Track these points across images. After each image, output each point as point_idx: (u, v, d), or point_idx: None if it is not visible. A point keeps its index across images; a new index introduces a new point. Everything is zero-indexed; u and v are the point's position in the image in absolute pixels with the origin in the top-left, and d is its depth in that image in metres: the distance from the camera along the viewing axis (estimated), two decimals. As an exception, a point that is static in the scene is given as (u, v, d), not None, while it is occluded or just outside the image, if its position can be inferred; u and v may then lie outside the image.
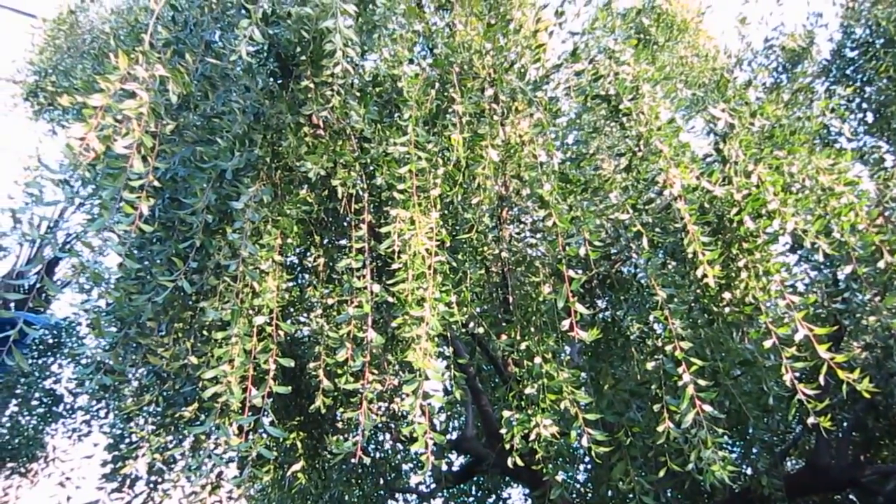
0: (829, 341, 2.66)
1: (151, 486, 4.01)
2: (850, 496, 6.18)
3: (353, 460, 4.52)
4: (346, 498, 4.77)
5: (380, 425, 4.40)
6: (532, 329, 3.05)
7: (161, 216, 2.85)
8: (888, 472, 5.25)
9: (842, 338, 4.08)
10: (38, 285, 2.47)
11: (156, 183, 2.52)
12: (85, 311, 4.54)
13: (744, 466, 4.84)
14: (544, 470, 2.93)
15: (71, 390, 5.15)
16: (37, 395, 5.54)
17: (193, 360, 2.66)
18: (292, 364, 2.53)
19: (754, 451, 4.17)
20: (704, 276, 2.67)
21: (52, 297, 2.92)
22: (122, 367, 2.71)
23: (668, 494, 4.80)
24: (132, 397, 3.39)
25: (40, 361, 5.70)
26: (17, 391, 5.49)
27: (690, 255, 2.79)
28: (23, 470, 5.65)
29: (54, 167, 2.40)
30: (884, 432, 5.72)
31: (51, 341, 5.71)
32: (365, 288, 2.71)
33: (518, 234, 3.49)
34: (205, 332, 2.78)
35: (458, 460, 6.03)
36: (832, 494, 6.08)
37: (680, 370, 2.63)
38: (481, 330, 3.05)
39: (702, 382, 2.63)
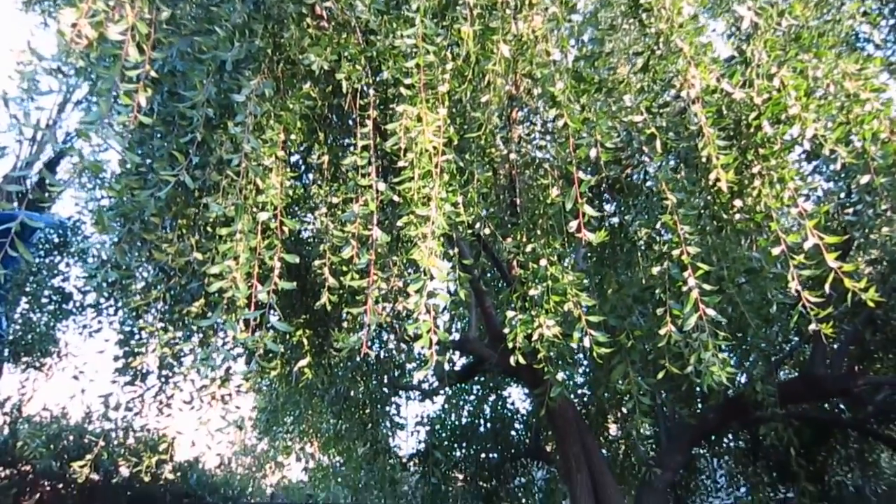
0: (838, 251, 2.63)
1: (163, 380, 4.11)
2: (840, 404, 6.36)
3: (358, 358, 4.64)
4: (352, 394, 4.91)
5: (384, 325, 4.46)
6: (538, 232, 3.02)
7: (161, 111, 2.77)
8: (880, 382, 5.37)
9: (849, 250, 4.06)
10: (39, 179, 2.44)
11: (153, 74, 2.44)
12: (89, 211, 4.54)
13: (739, 373, 4.94)
14: (545, 369, 2.98)
15: (79, 288, 5.21)
16: (46, 292, 5.62)
17: (198, 256, 2.65)
18: (297, 261, 2.52)
19: (751, 358, 4.24)
20: (717, 180, 2.61)
21: (54, 195, 2.89)
22: (128, 263, 2.71)
23: (664, 397, 4.94)
24: (139, 294, 3.41)
25: (47, 260, 5.74)
26: (27, 289, 5.56)
27: (704, 160, 2.72)
28: (37, 364, 5.81)
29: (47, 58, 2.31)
30: (879, 346, 5.81)
31: (56, 240, 5.73)
32: (370, 186, 2.66)
33: (527, 135, 3.40)
34: (209, 229, 2.77)
35: (460, 361, 6.18)
36: (822, 402, 6.25)
37: (685, 275, 2.63)
38: (487, 231, 3.03)
39: (707, 287, 2.62)
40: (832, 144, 2.67)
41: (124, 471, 6.75)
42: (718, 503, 7.46)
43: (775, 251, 2.66)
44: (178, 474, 7.39)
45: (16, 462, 6.50)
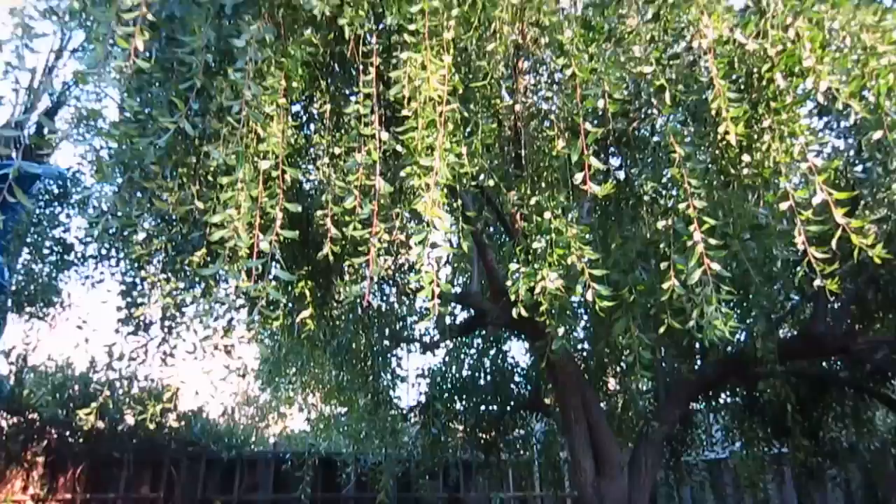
0: (846, 206, 2.60)
1: (166, 330, 4.13)
2: (838, 363, 6.40)
3: (359, 310, 4.66)
4: (353, 346, 4.94)
5: (386, 278, 4.46)
6: (543, 184, 2.99)
7: (159, 57, 2.70)
8: (879, 341, 5.38)
9: (856, 208, 4.02)
10: (37, 128, 2.40)
11: (151, 18, 2.38)
12: (88, 162, 4.49)
13: (740, 330, 4.96)
14: (547, 323, 2.98)
15: (81, 239, 5.19)
16: (47, 243, 5.61)
17: (199, 205, 2.62)
18: (299, 210, 2.50)
19: (752, 315, 4.24)
20: (726, 134, 2.57)
21: (53, 144, 2.85)
22: (129, 212, 2.69)
23: (664, 352, 4.96)
24: (141, 244, 3.39)
25: (48, 211, 5.72)
26: (29, 240, 5.56)
27: (714, 113, 2.67)
28: (41, 315, 5.83)
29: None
30: (880, 305, 5.82)
31: (56, 191, 5.69)
32: (373, 136, 2.62)
33: (534, 85, 3.33)
34: (210, 178, 2.74)
35: (461, 314, 6.21)
36: (821, 360, 6.29)
37: (691, 229, 2.60)
38: (491, 183, 2.99)
39: (712, 242, 2.60)
40: (845, 98, 2.61)
41: (129, 419, 6.85)
42: (713, 457, 7.60)
43: (783, 206, 2.63)
44: (183, 423, 7.51)
45: (23, 410, 6.60)
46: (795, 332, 6.21)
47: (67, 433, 6.89)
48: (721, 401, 6.72)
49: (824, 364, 6.37)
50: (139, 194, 2.81)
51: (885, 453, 7.13)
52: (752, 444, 6.16)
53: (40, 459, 6.78)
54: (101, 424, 6.84)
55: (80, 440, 6.97)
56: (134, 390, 6.62)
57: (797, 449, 5.45)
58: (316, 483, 8.01)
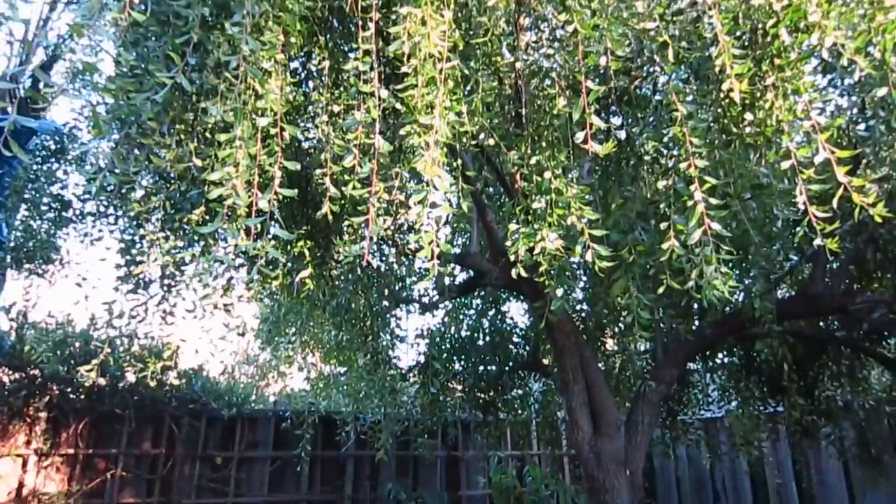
0: (849, 164, 2.58)
1: (165, 288, 4.14)
2: (835, 322, 6.45)
3: (359, 270, 4.66)
4: (353, 306, 4.97)
5: (385, 238, 4.45)
6: (543, 144, 2.96)
7: (154, 9, 2.65)
8: (877, 301, 5.41)
9: (858, 167, 4.00)
10: (32, 82, 2.37)
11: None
12: (85, 118, 4.44)
13: (739, 290, 4.98)
14: (546, 283, 2.98)
15: (79, 196, 5.17)
16: (45, 200, 5.58)
17: (198, 162, 2.60)
18: (298, 168, 2.48)
19: (751, 274, 4.25)
20: (730, 91, 2.53)
21: (49, 98, 2.81)
22: (126, 169, 2.66)
23: (662, 313, 4.99)
24: (139, 202, 3.38)
25: (45, 167, 5.67)
26: (26, 196, 5.53)
27: (717, 70, 2.64)
28: (40, 271, 5.83)
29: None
30: (879, 265, 5.83)
31: (53, 147, 5.65)
32: (372, 93, 2.59)
33: (535, 42, 3.28)
34: (208, 135, 2.71)
35: (460, 275, 6.23)
36: (819, 320, 6.33)
37: (692, 188, 2.59)
38: (492, 142, 2.96)
39: (713, 201, 2.59)
40: (851, 54, 2.57)
41: (130, 377, 6.93)
42: (709, 416, 7.71)
43: (784, 165, 2.62)
44: (183, 381, 7.59)
45: (24, 366, 6.66)
46: (793, 293, 6.25)
47: (69, 389, 6.97)
48: (718, 361, 6.79)
49: (821, 324, 6.42)
50: (136, 151, 2.78)
51: (880, 412, 7.23)
52: (747, 403, 6.24)
53: (42, 415, 6.87)
54: (102, 381, 6.92)
55: (82, 396, 7.06)
56: (134, 348, 6.68)
57: (792, 407, 5.51)
58: (316, 441, 8.14)
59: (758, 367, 6.45)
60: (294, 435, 7.36)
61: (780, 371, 5.54)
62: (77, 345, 6.71)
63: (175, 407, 7.57)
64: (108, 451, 7.21)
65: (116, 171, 2.71)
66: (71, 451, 6.97)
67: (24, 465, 6.74)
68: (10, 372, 6.73)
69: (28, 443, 6.80)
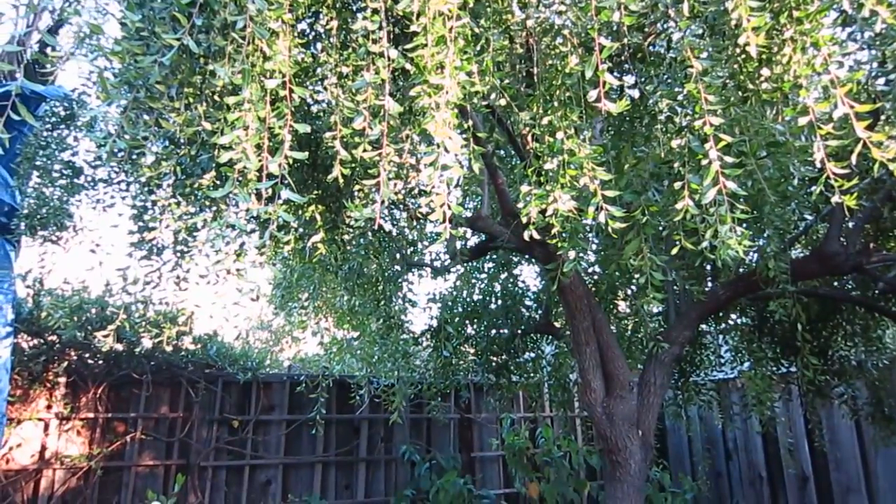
0: (868, 119, 2.52)
1: (178, 254, 4.16)
2: (849, 282, 6.41)
3: (370, 235, 4.66)
4: (365, 271, 4.98)
5: (397, 203, 4.44)
6: (555, 103, 2.92)
7: (159, -30, 2.61)
8: (893, 259, 5.36)
9: (877, 122, 3.92)
10: (40, 47, 2.35)
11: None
12: (93, 84, 4.41)
13: (753, 250, 4.94)
14: (558, 245, 2.97)
15: (90, 163, 5.17)
16: (56, 167, 5.57)
17: (207, 125, 2.58)
18: (308, 130, 2.46)
19: (766, 234, 4.21)
20: (747, 45, 2.47)
21: (57, 63, 2.79)
22: (136, 133, 2.65)
23: (675, 274, 4.97)
24: (150, 167, 3.37)
25: (55, 133, 5.66)
26: (38, 163, 5.53)
27: (734, 24, 2.57)
28: (53, 238, 5.86)
29: None
30: (895, 223, 5.77)
31: (63, 113, 5.62)
32: (381, 54, 2.55)
33: (546, -2, 3.21)
34: (217, 98, 2.69)
35: (472, 239, 6.21)
36: (834, 279, 6.29)
37: (707, 146, 2.55)
38: (503, 102, 2.92)
39: (728, 159, 2.55)
40: (873, 4, 2.50)
41: (147, 342, 7.02)
42: (722, 377, 7.73)
43: (802, 121, 2.56)
44: (199, 346, 7.68)
45: (42, 332, 6.76)
46: (808, 252, 6.20)
47: (87, 355, 7.08)
48: (731, 322, 6.78)
49: (836, 283, 6.38)
50: (146, 116, 2.77)
51: (893, 371, 7.22)
52: (760, 363, 6.25)
53: (62, 380, 6.99)
54: (119, 347, 7.03)
55: (100, 361, 7.17)
56: (149, 314, 6.75)
57: (806, 367, 5.51)
58: (330, 404, 8.27)
59: (771, 327, 6.44)
60: (309, 398, 7.46)
61: (794, 331, 5.52)
62: (93, 311, 6.79)
63: (191, 371, 7.68)
64: (126, 415, 7.35)
65: (126, 135, 2.70)
66: (91, 414, 7.11)
67: (46, 428, 6.89)
68: (29, 338, 6.84)
69: (49, 407, 6.94)
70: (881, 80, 3.56)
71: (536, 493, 8.38)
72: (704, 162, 2.62)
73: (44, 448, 6.83)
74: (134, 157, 3.50)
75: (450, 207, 2.31)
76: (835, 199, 2.54)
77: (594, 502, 8.95)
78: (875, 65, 3.72)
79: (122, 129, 2.71)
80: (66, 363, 6.94)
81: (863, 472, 7.96)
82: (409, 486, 8.25)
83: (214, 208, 3.48)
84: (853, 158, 2.53)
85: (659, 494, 8.49)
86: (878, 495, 7.81)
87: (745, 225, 2.81)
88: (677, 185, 2.77)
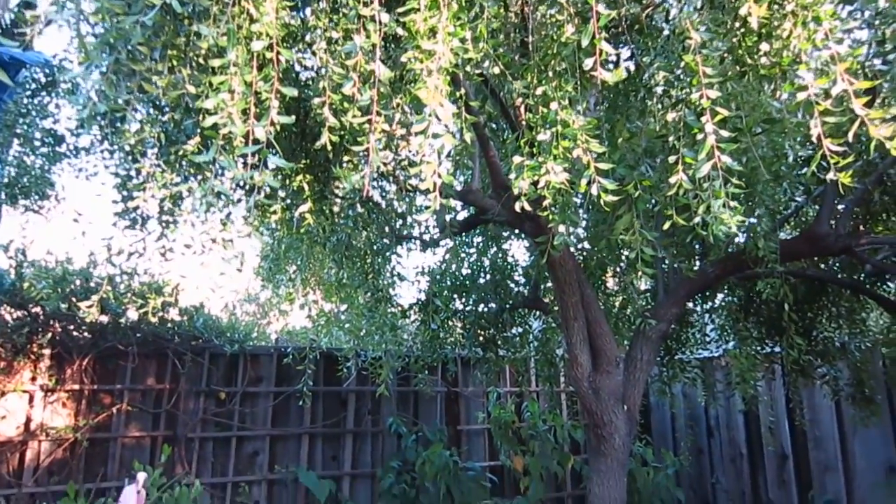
0: (867, 97, 2.48)
1: (163, 224, 4.09)
2: (836, 264, 6.43)
3: (359, 206, 4.60)
4: (353, 243, 4.93)
5: (386, 174, 4.37)
6: (550, 74, 2.86)
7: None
8: (882, 242, 5.37)
9: (873, 102, 3.89)
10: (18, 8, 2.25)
11: None
12: (74, 49, 4.29)
13: (742, 230, 4.93)
14: (549, 217, 2.93)
15: (72, 130, 5.07)
16: (38, 135, 5.46)
17: (191, 89, 2.51)
18: (295, 94, 2.39)
19: (757, 213, 4.20)
20: (747, 16, 2.42)
21: (35, 25, 2.68)
22: (117, 95, 2.57)
23: (664, 251, 4.95)
24: (134, 134, 3.28)
25: (35, 101, 5.54)
26: (18, 131, 5.42)
27: (734, -5, 2.52)
28: (35, 208, 5.77)
29: None
30: (885, 207, 5.78)
31: (44, 80, 5.50)
32: (373, 17, 2.47)
33: (543, -36, 3.13)
34: (201, 61, 2.60)
35: (462, 213, 6.17)
36: (822, 261, 6.32)
37: (703, 120, 2.50)
38: (496, 70, 2.85)
39: (724, 133, 2.51)
40: (876, -21, 2.45)
41: (132, 314, 6.95)
42: (707, 355, 7.78)
43: (800, 96, 2.52)
44: (185, 318, 7.62)
45: (26, 304, 6.67)
46: (798, 233, 6.21)
47: (72, 327, 7.00)
48: (718, 301, 6.81)
49: (823, 265, 6.41)
50: (128, 81, 2.68)
51: (875, 353, 7.30)
52: (745, 342, 6.28)
53: (46, 351, 6.91)
54: (104, 318, 6.95)
55: (85, 333, 7.10)
56: (134, 285, 6.68)
57: (791, 347, 5.55)
58: (318, 376, 8.25)
59: (757, 307, 6.46)
60: (296, 371, 7.44)
61: (780, 311, 5.54)
62: (78, 282, 6.70)
63: (178, 343, 7.63)
64: (113, 387, 7.29)
65: (108, 98, 2.61)
66: (76, 386, 7.05)
67: (31, 400, 6.83)
68: (12, 310, 6.74)
69: (34, 379, 6.87)
70: (878, 61, 3.53)
71: (521, 466, 8.45)
72: (700, 136, 2.58)
73: (29, 420, 6.77)
74: (116, 123, 3.41)
75: (440, 176, 2.26)
76: (830, 175, 2.51)
77: (578, 476, 9.05)
78: (874, 44, 3.69)
79: (102, 93, 2.63)
80: (50, 335, 6.86)
81: (840, 452, 8.08)
82: (395, 457, 8.29)
83: (200, 176, 3.41)
84: (850, 136, 2.50)
85: (641, 469, 8.59)
86: (855, 474, 7.93)
87: (738, 200, 2.78)
88: (672, 159, 2.73)
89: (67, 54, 5.38)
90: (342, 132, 2.73)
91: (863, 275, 6.18)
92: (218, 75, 2.34)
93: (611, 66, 3.06)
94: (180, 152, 3.17)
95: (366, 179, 2.35)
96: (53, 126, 5.33)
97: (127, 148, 3.77)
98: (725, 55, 2.90)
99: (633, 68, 3.33)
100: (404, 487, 7.86)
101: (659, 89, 2.98)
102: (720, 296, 6.74)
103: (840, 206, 5.18)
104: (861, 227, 5.88)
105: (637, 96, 3.28)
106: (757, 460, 8.98)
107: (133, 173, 3.97)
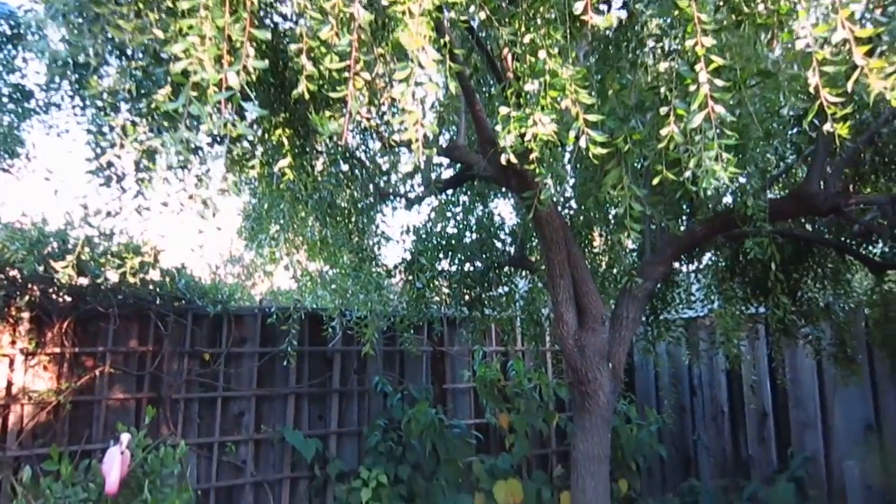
0: (868, 45, 2.40)
1: (139, 182, 3.95)
2: (823, 224, 6.42)
3: (341, 163, 4.48)
4: (336, 201, 4.81)
5: (368, 129, 4.24)
6: (538, 21, 2.74)
7: None
8: (871, 202, 5.34)
9: (872, 54, 3.79)
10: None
11: None
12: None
13: (730, 189, 4.87)
14: (536, 172, 2.84)
15: (41, 86, 4.84)
16: (4, 90, 5.23)
17: (159, 33, 2.37)
18: (269, 37, 2.26)
19: (747, 171, 4.13)
20: (746, -42, 2.31)
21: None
22: (80, 41, 2.42)
23: (652, 209, 4.89)
24: (103, 86, 3.13)
25: (1, 55, 5.29)
26: (-16, 87, 5.19)
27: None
28: (5, 167, 5.57)
29: None
30: (875, 168, 5.75)
31: (9, 32, 5.25)
32: (351, -43, 2.33)
33: None
34: (170, 4, 2.45)
35: (447, 170, 6.05)
36: (810, 220, 6.30)
37: (697, 68, 2.41)
38: (482, 16, 2.73)
39: (718, 83, 2.42)
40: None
41: (112, 276, 6.81)
42: (692, 314, 7.81)
43: (799, 44, 2.43)
44: (167, 279, 7.50)
45: (2, 267, 6.51)
46: (787, 192, 6.17)
47: (50, 289, 6.86)
48: (704, 262, 6.80)
49: (809, 226, 6.40)
50: (91, 26, 2.53)
51: (858, 313, 7.36)
52: (730, 302, 6.30)
53: (25, 315, 6.78)
54: (83, 281, 6.81)
55: (65, 296, 6.96)
56: (112, 246, 6.53)
57: (776, 306, 5.56)
58: (303, 337, 8.19)
59: (743, 267, 6.46)
60: (281, 331, 7.36)
61: (766, 272, 5.54)
62: (55, 244, 6.53)
63: (160, 305, 7.52)
64: (94, 349, 7.20)
65: (72, 45, 2.47)
66: (57, 349, 6.94)
67: (11, 364, 6.72)
68: (-12, 273, 6.58)
69: (13, 343, 6.76)
70: (878, 12, 3.42)
71: (507, 424, 8.51)
72: (692, 87, 2.49)
73: (10, 384, 6.68)
74: (84, 74, 3.25)
75: (423, 126, 2.16)
76: (826, 126, 2.44)
77: (562, 433, 9.14)
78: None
79: (66, 42, 2.48)
80: (28, 298, 6.72)
81: (820, 410, 8.21)
82: (381, 416, 8.31)
83: (173, 129, 3.27)
84: (849, 86, 2.42)
85: (625, 426, 8.69)
86: (834, 432, 8.08)
87: (731, 151, 2.70)
88: (663, 111, 2.64)
89: (34, 4, 5.13)
90: (321, 81, 2.60)
91: (849, 236, 6.18)
92: (187, 18, 2.20)
93: (604, 5, 2.94)
94: (152, 105, 3.02)
95: (344, 127, 2.24)
96: (21, 81, 5.09)
97: (99, 103, 3.61)
98: (721, 3, 2.79)
99: (625, 16, 3.21)
100: (390, 445, 7.89)
101: (652, 38, 2.87)
102: (707, 255, 6.73)
103: (829, 169, 5.14)
104: (850, 188, 5.85)
105: (629, 48, 3.17)
106: (738, 418, 9.11)
107: (106, 129, 3.82)
